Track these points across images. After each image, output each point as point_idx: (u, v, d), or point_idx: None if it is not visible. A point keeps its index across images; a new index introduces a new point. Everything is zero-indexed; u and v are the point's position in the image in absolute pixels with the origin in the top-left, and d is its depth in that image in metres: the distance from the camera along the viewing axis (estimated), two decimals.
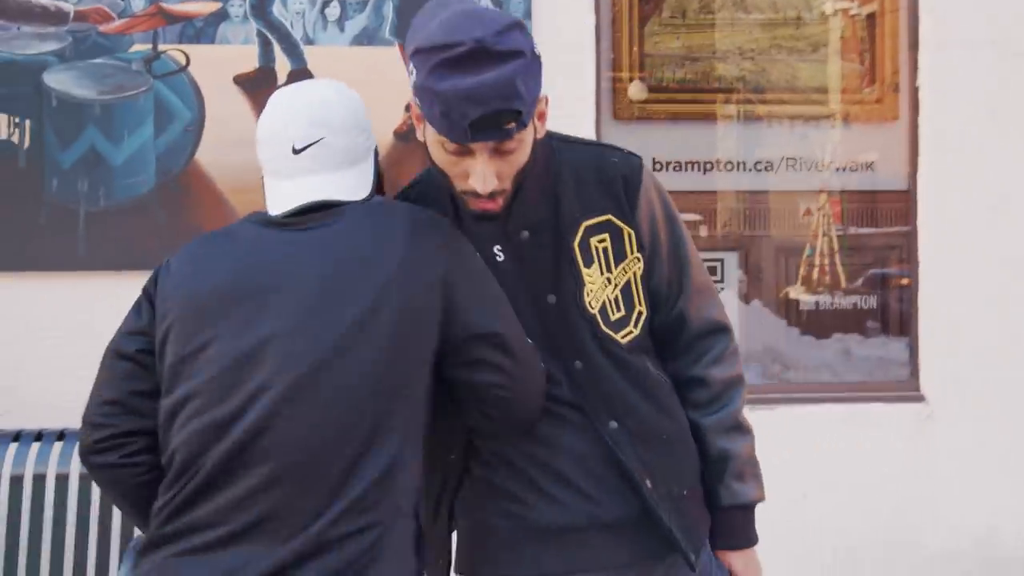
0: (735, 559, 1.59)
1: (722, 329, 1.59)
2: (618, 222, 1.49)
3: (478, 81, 1.28)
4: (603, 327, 1.48)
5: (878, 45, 3.40)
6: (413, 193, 1.56)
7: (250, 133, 2.86)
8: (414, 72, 1.34)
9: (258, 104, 2.97)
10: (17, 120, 2.92)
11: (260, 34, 2.97)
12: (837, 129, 3.46)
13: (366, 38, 3.00)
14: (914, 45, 3.21)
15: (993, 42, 3.14)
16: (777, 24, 3.39)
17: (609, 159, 1.52)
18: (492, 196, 1.40)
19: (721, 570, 1.59)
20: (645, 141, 3.24)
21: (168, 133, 2.95)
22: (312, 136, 1.42)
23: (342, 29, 2.99)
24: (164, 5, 2.95)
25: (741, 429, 1.59)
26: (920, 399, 3.18)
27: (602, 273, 1.49)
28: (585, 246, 1.48)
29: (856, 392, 3.22)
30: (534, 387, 1.41)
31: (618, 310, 1.50)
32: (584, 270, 1.48)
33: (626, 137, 3.26)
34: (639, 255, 1.51)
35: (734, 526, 1.59)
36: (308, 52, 2.98)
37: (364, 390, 1.29)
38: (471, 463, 1.53)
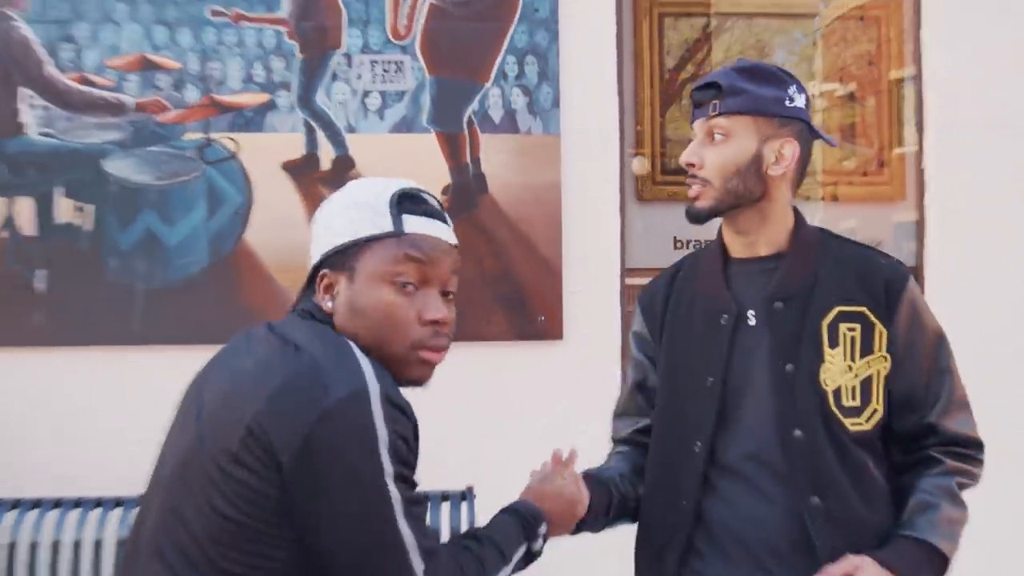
0: (865, 569, 1.46)
1: (978, 443, 1.58)
2: (872, 317, 1.54)
3: (717, 71, 1.63)
4: (832, 406, 1.52)
5: (884, 125, 3.58)
6: (668, 274, 1.75)
7: (296, 216, 3.12)
8: (805, 93, 1.62)
9: (303, 188, 3.17)
10: (80, 204, 3.10)
11: (305, 123, 3.17)
12: (846, 207, 3.63)
13: (404, 126, 3.19)
14: (920, 126, 3.37)
15: (997, 123, 3.28)
16: None
17: (877, 261, 1.61)
18: (696, 179, 1.58)
19: None
20: (665, 221, 3.42)
21: (219, 216, 3.13)
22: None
23: (382, 118, 3.19)
24: (216, 96, 3.15)
25: (957, 498, 1.54)
26: None
27: (845, 359, 1.53)
28: (834, 328, 1.54)
29: None
30: None
31: (853, 399, 1.53)
32: (827, 349, 1.53)
33: (648, 216, 3.45)
34: (887, 355, 1.54)
35: (904, 552, 1.49)
36: (350, 140, 3.17)
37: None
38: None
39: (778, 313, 1.56)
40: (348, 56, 3.17)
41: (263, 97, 3.16)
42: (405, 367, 1.32)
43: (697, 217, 1.61)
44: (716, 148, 1.57)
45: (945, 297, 3.31)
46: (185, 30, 3.14)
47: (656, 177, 3.49)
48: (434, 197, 1.43)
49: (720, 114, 1.56)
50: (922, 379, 1.56)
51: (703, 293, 1.65)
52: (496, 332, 3.18)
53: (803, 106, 1.59)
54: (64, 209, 3.11)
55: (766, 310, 1.57)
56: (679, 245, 3.43)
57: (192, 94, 3.15)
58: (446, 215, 1.41)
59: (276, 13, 3.15)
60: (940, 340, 1.59)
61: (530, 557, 1.46)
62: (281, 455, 1.16)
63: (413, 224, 1.34)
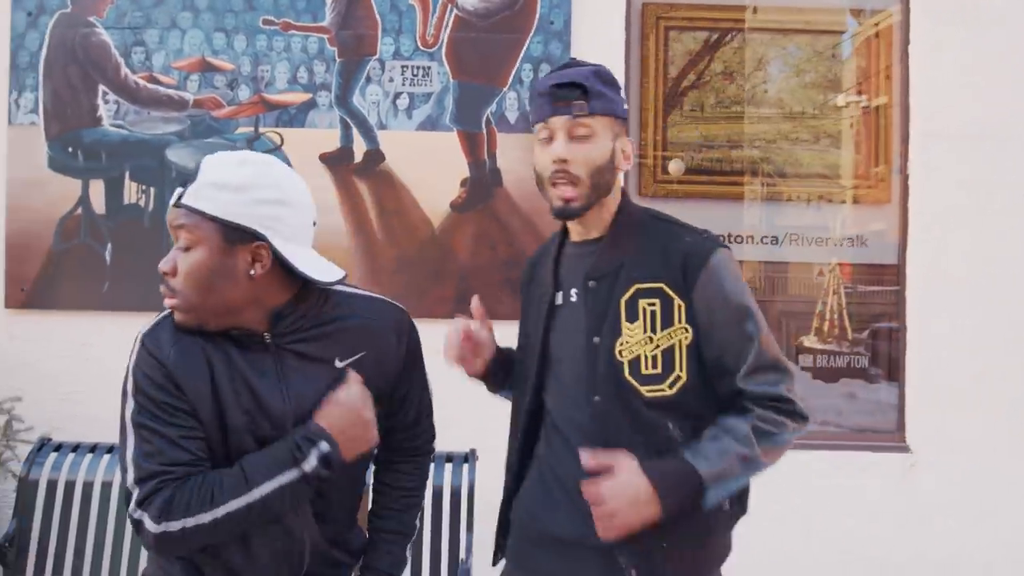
0: (624, 467, 1.58)
1: (781, 398, 1.65)
2: (670, 292, 1.65)
3: (567, 71, 1.70)
4: (627, 375, 1.65)
5: (873, 136, 3.80)
6: (535, 256, 1.92)
7: (331, 203, 3.48)
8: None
9: (338, 178, 3.53)
10: (144, 188, 3.52)
11: (342, 120, 3.53)
12: (836, 208, 3.85)
13: (430, 124, 3.53)
14: (905, 138, 3.59)
15: (976, 136, 3.50)
16: (784, 117, 3.83)
17: (682, 238, 1.69)
18: (568, 181, 1.64)
19: None
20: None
21: None
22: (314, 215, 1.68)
23: (410, 116, 3.54)
24: (265, 95, 3.54)
25: (745, 437, 1.61)
26: (905, 449, 3.51)
27: (645, 331, 1.65)
28: (632, 304, 1.66)
29: (847, 441, 3.57)
30: None
31: (654, 367, 1.64)
32: (625, 323, 1.65)
33: None
34: (687, 326, 1.65)
35: (665, 467, 1.60)
36: (381, 136, 3.52)
37: None
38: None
39: (591, 291, 1.70)
40: (381, 61, 3.54)
41: (305, 96, 3.53)
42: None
43: (571, 215, 1.70)
44: (583, 147, 1.66)
45: (924, 290, 3.55)
46: (240, 36, 3.54)
47: (658, 176, 3.77)
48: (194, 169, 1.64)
49: (590, 114, 1.65)
50: (730, 347, 1.64)
51: (540, 274, 1.83)
52: (506, 312, 3.41)
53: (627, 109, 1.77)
54: (131, 192, 3.51)
55: (583, 288, 1.71)
56: None
57: (244, 93, 3.54)
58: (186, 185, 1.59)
59: (319, 22, 3.54)
60: (744, 310, 1.66)
61: (309, 478, 1.53)
62: None
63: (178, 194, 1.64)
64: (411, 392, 1.82)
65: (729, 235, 3.79)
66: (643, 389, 1.65)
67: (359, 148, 3.53)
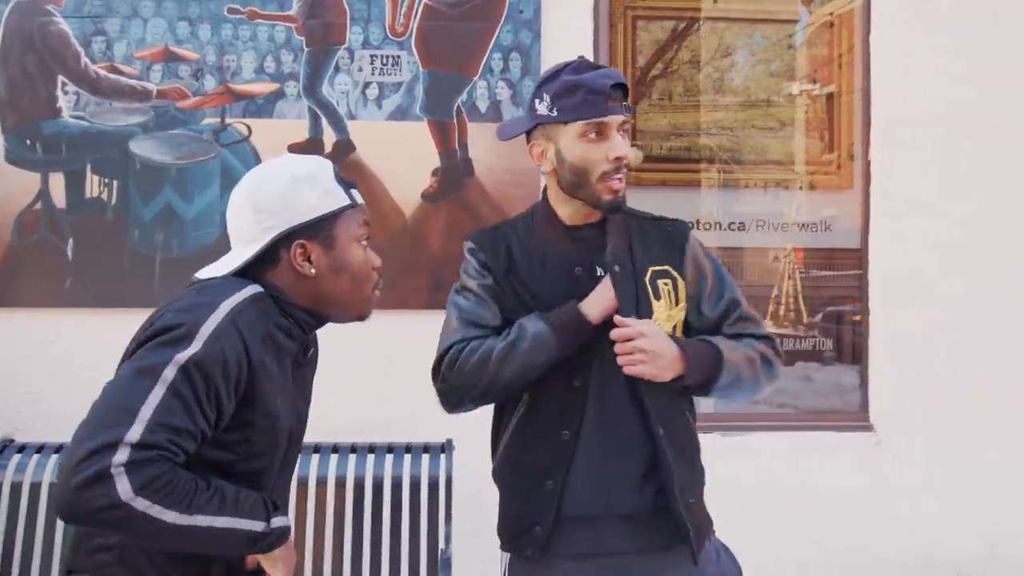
0: (654, 327, 1.77)
1: (769, 337, 1.93)
2: (675, 273, 1.88)
3: (607, 70, 1.81)
4: None
5: (836, 122, 3.90)
6: (497, 233, 1.92)
7: None
8: (546, 97, 1.79)
9: None
10: (106, 181, 3.43)
11: (311, 110, 3.49)
12: (801, 194, 3.94)
13: (400, 114, 3.52)
14: (867, 123, 3.68)
15: (936, 120, 3.61)
16: (750, 105, 3.91)
17: (665, 228, 1.93)
18: (620, 171, 1.78)
19: (728, 556, 1.87)
20: (635, 203, 3.73)
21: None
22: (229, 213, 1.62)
23: (379, 107, 3.52)
24: (231, 85, 3.48)
25: (751, 351, 1.86)
26: (869, 428, 3.61)
27: (667, 308, 1.84)
28: (654, 284, 1.84)
29: (811, 421, 3.66)
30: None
31: None
32: (654, 301, 1.83)
33: None
34: (686, 304, 1.88)
35: (690, 341, 1.83)
36: (351, 126, 3.49)
37: None
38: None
39: (617, 275, 1.82)
40: (350, 51, 3.51)
41: (273, 86, 3.49)
42: (368, 306, 1.68)
43: (620, 207, 1.84)
44: (626, 142, 1.82)
45: (885, 273, 3.65)
46: (205, 25, 3.48)
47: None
48: None
49: (630, 113, 1.87)
50: (714, 307, 1.90)
51: (556, 250, 1.85)
52: None
53: None
54: (93, 185, 3.43)
55: (608, 271, 1.83)
56: None
57: (210, 83, 3.48)
58: None
59: (286, 11, 3.50)
60: (720, 274, 1.93)
61: (260, 537, 1.47)
62: None
63: (355, 195, 1.65)
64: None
65: (697, 222, 3.85)
66: None
67: (329, 139, 3.50)
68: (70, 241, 3.41)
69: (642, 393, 1.79)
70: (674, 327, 1.86)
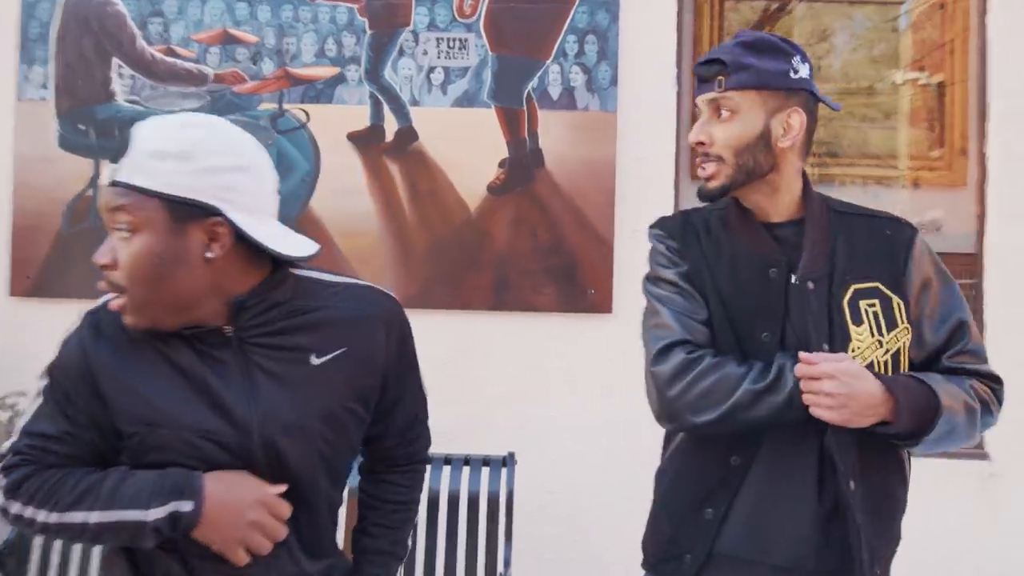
0: (849, 360, 1.51)
1: (996, 378, 1.64)
2: (887, 291, 1.59)
3: (715, 48, 1.65)
4: None
5: (947, 114, 3.56)
6: (679, 222, 1.73)
7: (359, 184, 3.26)
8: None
9: (368, 159, 3.31)
10: None
11: (372, 96, 3.32)
12: (907, 192, 3.61)
13: (466, 100, 3.31)
14: (982, 115, 3.36)
15: None
16: (851, 92, 3.58)
17: (884, 231, 1.64)
18: (707, 158, 1.59)
19: None
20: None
21: (288, 182, 3.29)
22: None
23: (445, 92, 3.32)
24: (290, 69, 3.33)
25: (963, 395, 1.56)
26: (985, 457, 3.27)
27: (872, 335, 1.57)
28: (855, 306, 1.58)
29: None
30: None
31: (885, 372, 1.56)
32: (852, 327, 1.57)
33: None
34: (908, 326, 1.59)
35: (899, 379, 1.54)
36: (414, 112, 3.31)
37: None
38: None
39: (811, 293, 1.58)
40: (415, 33, 3.31)
41: (334, 71, 3.32)
42: None
43: (711, 196, 1.62)
44: (724, 125, 1.58)
45: (1004, 281, 3.31)
46: (264, 7, 3.33)
47: None
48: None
49: (727, 90, 1.57)
50: (939, 332, 1.61)
51: (748, 248, 1.63)
52: (546, 303, 3.26)
53: (807, 76, 1.61)
54: None
55: (801, 290, 1.59)
56: None
57: (268, 67, 3.33)
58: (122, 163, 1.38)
59: None
60: (950, 292, 1.64)
61: (148, 528, 1.35)
62: None
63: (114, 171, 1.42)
64: (404, 394, 1.58)
65: None
66: None
67: (390, 126, 3.33)
68: None
69: (827, 438, 1.55)
70: (891, 357, 1.58)
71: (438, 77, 3.33)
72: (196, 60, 3.33)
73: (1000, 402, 1.63)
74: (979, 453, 3.27)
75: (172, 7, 3.33)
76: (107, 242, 1.35)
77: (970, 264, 3.41)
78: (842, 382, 1.47)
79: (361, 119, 3.32)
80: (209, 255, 1.34)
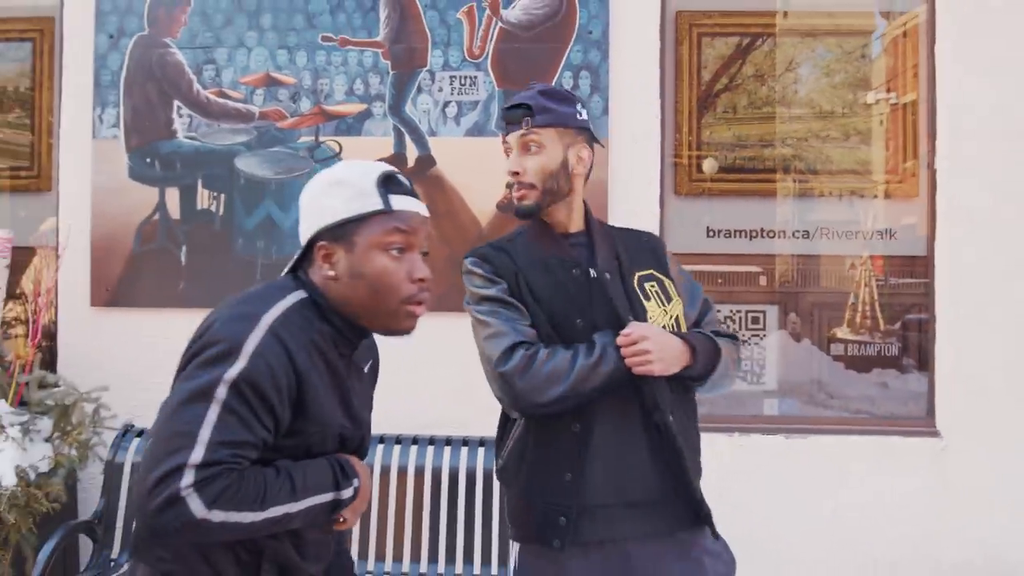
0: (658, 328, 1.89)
1: (735, 336, 2.09)
2: (660, 275, 2.01)
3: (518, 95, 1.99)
4: None
5: (902, 133, 3.90)
6: (493, 247, 2.01)
7: None
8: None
9: None
10: (215, 194, 3.79)
11: (395, 128, 3.76)
12: (876, 203, 3.95)
13: (476, 131, 3.75)
14: (932, 134, 3.69)
15: (1002, 131, 3.60)
16: (814, 116, 3.96)
17: (641, 238, 2.09)
18: (521, 186, 1.91)
19: (722, 543, 1.98)
20: (699, 212, 3.87)
21: None
22: None
23: (458, 124, 3.75)
24: (324, 107, 3.79)
25: (730, 348, 2.01)
26: (936, 434, 3.61)
27: (659, 307, 1.95)
28: (642, 288, 1.96)
29: (879, 427, 3.68)
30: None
31: (674, 331, 1.95)
32: (645, 303, 1.95)
33: (685, 209, 3.88)
34: (680, 298, 2.01)
35: (690, 332, 1.96)
36: (431, 142, 3.74)
37: None
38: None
39: (608, 283, 1.94)
40: (432, 72, 3.77)
41: (362, 107, 3.78)
42: (395, 319, 1.59)
43: (527, 214, 1.96)
44: (534, 157, 1.92)
45: (952, 280, 3.65)
46: (301, 52, 3.80)
47: (692, 175, 3.93)
48: (407, 178, 1.65)
49: (533, 127, 1.91)
50: (694, 308, 2.05)
51: (554, 255, 1.95)
52: None
53: (587, 119, 2.00)
54: (203, 198, 3.79)
55: (600, 280, 1.94)
56: (711, 233, 3.86)
57: (305, 104, 3.80)
58: (417, 193, 1.64)
59: (374, 38, 3.79)
60: (687, 278, 2.09)
61: (337, 505, 1.54)
62: None
63: (397, 202, 1.57)
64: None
65: (762, 230, 3.94)
66: None
67: (411, 154, 3.75)
68: (183, 248, 3.78)
69: (646, 387, 1.88)
70: (676, 321, 1.98)
71: (452, 110, 3.76)
72: (244, 100, 3.79)
73: (740, 359, 2.08)
74: (931, 431, 3.61)
75: (223, 55, 3.82)
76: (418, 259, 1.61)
77: (923, 266, 3.76)
78: (655, 340, 1.83)
79: (386, 148, 3.75)
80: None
